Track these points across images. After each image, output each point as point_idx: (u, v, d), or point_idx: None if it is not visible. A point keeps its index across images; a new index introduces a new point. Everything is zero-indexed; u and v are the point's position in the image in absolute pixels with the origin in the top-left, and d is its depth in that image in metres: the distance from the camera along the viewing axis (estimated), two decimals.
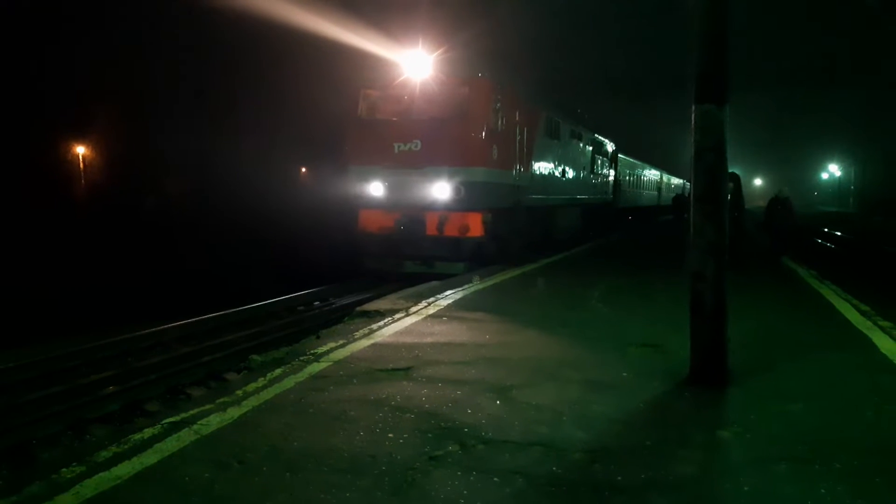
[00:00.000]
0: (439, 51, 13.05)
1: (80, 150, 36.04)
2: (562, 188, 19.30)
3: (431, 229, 13.07)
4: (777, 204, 14.80)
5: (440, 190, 12.86)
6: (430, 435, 4.17)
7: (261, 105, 33.12)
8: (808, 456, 3.90)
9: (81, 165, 35.56)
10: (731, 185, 10.99)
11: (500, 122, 13.88)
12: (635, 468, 3.72)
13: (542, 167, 17.22)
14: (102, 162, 34.72)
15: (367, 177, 13.37)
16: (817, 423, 4.47)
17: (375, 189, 13.32)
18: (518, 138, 15.04)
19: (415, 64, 13.05)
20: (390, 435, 4.17)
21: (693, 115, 5.08)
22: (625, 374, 5.54)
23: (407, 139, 13.02)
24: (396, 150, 13.04)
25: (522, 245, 15.47)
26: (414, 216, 13.14)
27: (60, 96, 28.55)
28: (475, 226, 13.05)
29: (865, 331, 7.20)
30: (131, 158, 30.35)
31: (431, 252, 13.22)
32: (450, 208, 12.94)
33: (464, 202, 12.85)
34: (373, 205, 13.46)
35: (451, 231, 12.99)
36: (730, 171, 12.08)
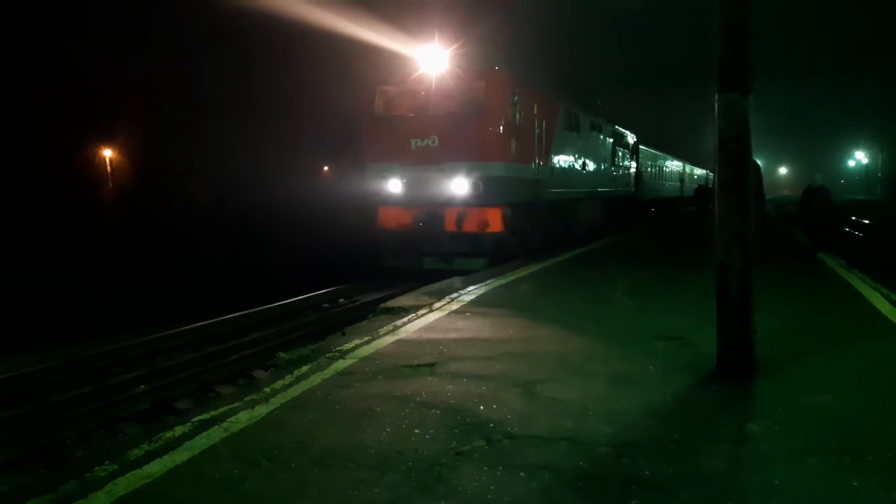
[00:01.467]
0: (455, 45, 12.86)
1: (108, 153, 36.54)
2: (582, 181, 19.07)
3: (450, 225, 12.97)
4: (813, 194, 13.39)
5: (458, 185, 12.75)
6: (456, 430, 4.19)
7: (281, 103, 33.30)
8: (840, 449, 3.85)
9: (108, 168, 36.08)
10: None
11: (517, 116, 13.71)
12: (663, 463, 3.70)
13: (562, 160, 16.97)
14: (129, 164, 35.19)
15: (384, 173, 13.26)
16: (848, 415, 4.41)
17: (393, 186, 13.22)
18: (536, 131, 14.81)
19: (431, 59, 12.90)
20: (416, 431, 4.19)
21: (717, 105, 5.02)
22: (651, 367, 5.51)
23: (424, 135, 12.89)
24: (414, 147, 12.91)
25: (543, 239, 15.30)
26: (432, 212, 13.03)
27: (85, 97, 28.94)
28: (494, 221, 12.93)
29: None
30: (157, 160, 30.71)
31: (450, 248, 13.09)
32: (468, 204, 12.82)
33: (482, 197, 12.72)
34: (391, 201, 13.35)
35: (469, 227, 12.87)
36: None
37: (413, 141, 12.93)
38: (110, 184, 34.85)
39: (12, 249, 16.70)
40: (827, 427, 4.20)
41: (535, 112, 14.77)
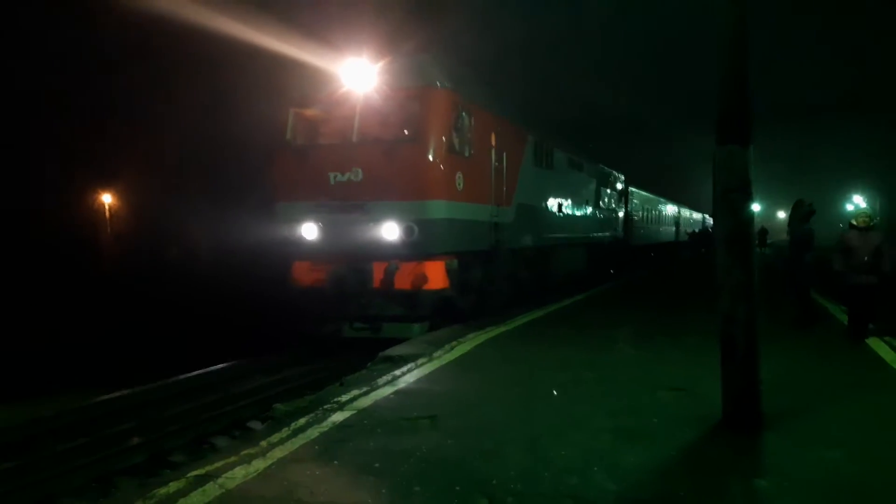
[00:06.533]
0: (386, 59, 10.64)
1: (107, 198, 36.65)
2: (559, 225, 16.68)
3: (378, 282, 10.41)
4: (859, 241, 8.64)
5: (388, 231, 10.27)
6: (457, 488, 4.08)
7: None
8: None
9: (107, 214, 36.14)
10: (804, 218, 10.02)
11: (466, 145, 11.25)
12: None
13: (531, 201, 14.47)
14: (128, 210, 35.25)
15: (296, 217, 10.77)
16: (858, 470, 4.32)
17: (308, 232, 10.72)
18: (495, 165, 12.31)
19: (356, 74, 10.59)
20: (417, 488, 4.09)
21: (716, 156, 5.05)
22: (655, 420, 5.42)
23: (345, 168, 10.46)
24: (333, 182, 10.50)
25: (507, 295, 13.17)
26: (355, 266, 10.48)
27: (83, 139, 29.05)
28: (436, 276, 10.38)
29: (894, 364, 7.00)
30: (156, 206, 30.75)
31: (379, 311, 10.56)
32: (401, 254, 10.29)
33: (419, 246, 10.22)
34: (305, 252, 10.81)
35: (402, 283, 10.29)
36: (807, 200, 10.49)
37: (332, 175, 10.51)
38: (109, 230, 34.87)
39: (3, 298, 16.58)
40: (838, 483, 4.10)
41: (494, 142, 12.26)
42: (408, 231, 10.19)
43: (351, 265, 10.48)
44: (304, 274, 10.87)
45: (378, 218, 10.31)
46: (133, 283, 20.38)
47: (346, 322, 10.69)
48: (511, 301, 13.15)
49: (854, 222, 8.83)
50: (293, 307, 11.15)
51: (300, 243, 10.77)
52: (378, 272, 10.38)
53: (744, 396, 4.99)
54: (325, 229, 10.65)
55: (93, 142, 29.11)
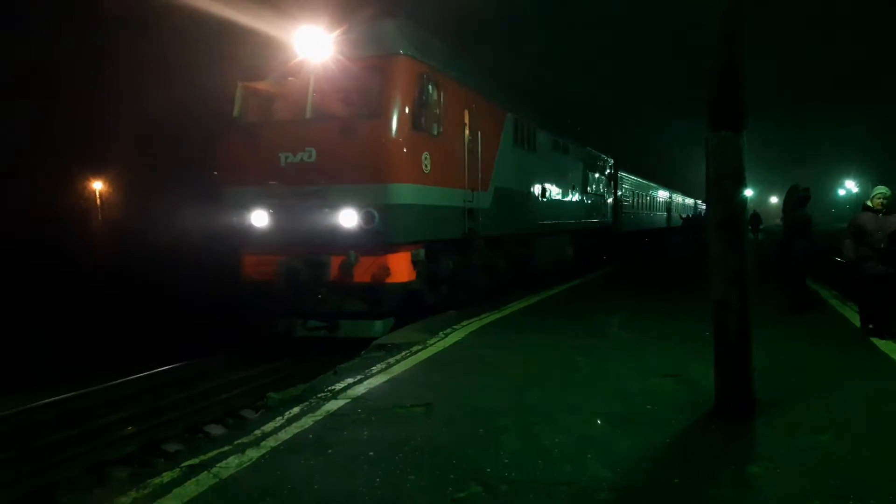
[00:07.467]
0: (344, 26, 9.60)
1: (98, 185, 36.35)
2: (542, 212, 15.78)
3: (336, 274, 9.47)
4: (875, 225, 7.71)
5: (346, 217, 9.30)
6: (451, 476, 4.09)
7: None
8: (843, 491, 3.79)
9: (98, 201, 35.88)
10: (798, 203, 9.98)
11: (435, 121, 10.24)
12: None
13: (511, 185, 13.52)
14: (119, 197, 34.97)
15: (245, 203, 9.81)
16: (850, 455, 4.35)
17: (258, 219, 9.77)
18: (469, 145, 11.32)
19: (310, 44, 9.57)
20: (411, 477, 4.10)
21: (709, 142, 5.03)
22: (649, 406, 5.44)
23: (297, 148, 9.47)
24: (284, 163, 9.51)
25: (483, 286, 12.36)
26: (310, 257, 9.54)
27: (72, 127, 28.75)
28: (400, 268, 9.49)
29: (893, 355, 7.04)
30: (148, 192, 30.50)
31: (336, 307, 9.57)
32: (360, 244, 9.31)
33: (381, 235, 9.25)
34: (255, 242, 9.87)
35: (362, 276, 9.35)
36: (801, 185, 10.39)
37: (283, 155, 9.52)
38: (100, 217, 34.64)
39: None
40: (829, 468, 4.13)
41: (467, 119, 11.27)
42: (368, 218, 9.24)
43: (305, 257, 9.57)
44: (253, 267, 9.98)
45: (334, 204, 9.34)
46: (123, 274, 20.24)
47: (300, 320, 9.72)
48: (487, 292, 12.46)
49: (869, 203, 7.83)
50: (241, 303, 10.26)
51: (249, 233, 9.86)
52: (335, 263, 9.48)
53: (737, 383, 5.01)
54: (276, 217, 9.70)
55: (81, 126, 28.85)
